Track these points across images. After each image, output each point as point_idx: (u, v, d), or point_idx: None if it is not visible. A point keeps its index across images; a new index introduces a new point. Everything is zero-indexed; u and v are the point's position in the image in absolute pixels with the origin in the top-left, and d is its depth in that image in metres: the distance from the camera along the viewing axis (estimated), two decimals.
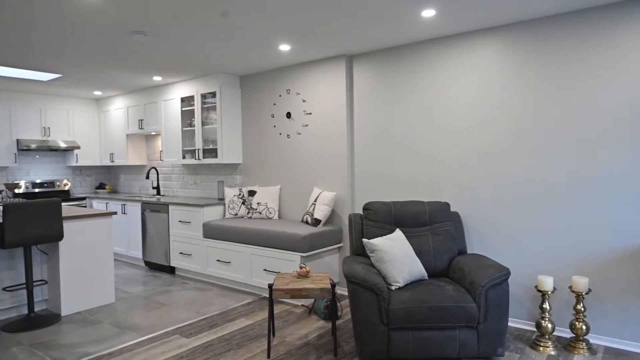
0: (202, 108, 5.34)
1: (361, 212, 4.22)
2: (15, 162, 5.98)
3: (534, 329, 3.43)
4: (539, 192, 3.39)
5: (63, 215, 3.92)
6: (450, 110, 3.81)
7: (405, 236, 3.43)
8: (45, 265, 4.05)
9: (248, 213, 4.98)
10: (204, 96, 5.35)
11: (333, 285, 3.11)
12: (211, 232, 4.80)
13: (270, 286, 3.02)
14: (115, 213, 4.29)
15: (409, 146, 4.06)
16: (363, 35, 3.74)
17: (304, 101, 4.72)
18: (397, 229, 3.35)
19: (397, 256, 3.04)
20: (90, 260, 4.07)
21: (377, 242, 3.08)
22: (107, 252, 4.20)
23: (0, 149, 5.83)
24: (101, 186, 7.11)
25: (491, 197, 3.62)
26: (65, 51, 4.07)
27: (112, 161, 6.69)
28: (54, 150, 6.32)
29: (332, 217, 4.55)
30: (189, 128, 5.50)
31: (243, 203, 5.03)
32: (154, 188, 6.36)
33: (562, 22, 3.25)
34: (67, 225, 3.89)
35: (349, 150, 4.42)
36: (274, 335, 3.38)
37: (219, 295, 4.43)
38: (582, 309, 3.06)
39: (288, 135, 4.89)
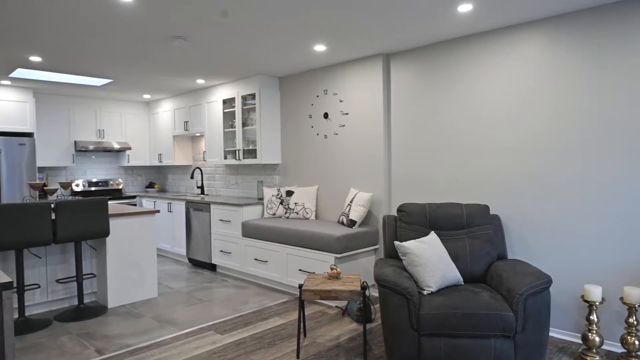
0: (243, 109, 5.45)
1: (395, 214, 4.13)
2: (73, 162, 6.39)
3: (580, 342, 3.20)
4: (588, 195, 3.17)
5: (110, 212, 4.14)
6: (491, 109, 3.64)
7: (441, 239, 3.32)
8: (94, 260, 4.30)
9: (285, 213, 5.02)
10: (244, 98, 5.46)
11: (363, 288, 3.06)
12: (249, 231, 4.88)
13: (300, 286, 3.03)
14: (158, 211, 4.47)
15: (448, 146, 3.93)
16: (399, 34, 3.66)
17: (341, 101, 4.69)
18: (432, 232, 3.25)
19: (430, 260, 2.95)
20: (135, 256, 4.27)
21: (409, 245, 3.00)
22: (151, 249, 4.39)
23: (60, 151, 6.26)
24: (151, 185, 7.45)
25: (535, 200, 3.42)
26: (114, 57, 4.30)
27: (160, 161, 6.99)
28: (108, 151, 6.70)
29: (368, 219, 4.49)
30: (231, 129, 5.63)
31: (281, 203, 5.08)
32: (198, 187, 6.58)
33: (609, 14, 3.01)
34: (113, 223, 4.11)
35: (386, 150, 4.35)
36: (305, 335, 3.39)
37: (256, 294, 4.50)
38: (635, 322, 2.83)
39: (325, 136, 4.88)
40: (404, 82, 4.22)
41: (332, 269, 3.24)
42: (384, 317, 2.81)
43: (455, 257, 3.22)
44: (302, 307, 3.05)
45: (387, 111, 4.36)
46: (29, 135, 5.76)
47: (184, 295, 4.48)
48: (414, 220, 3.41)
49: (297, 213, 4.94)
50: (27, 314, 3.91)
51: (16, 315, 3.81)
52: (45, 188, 4.21)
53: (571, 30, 3.19)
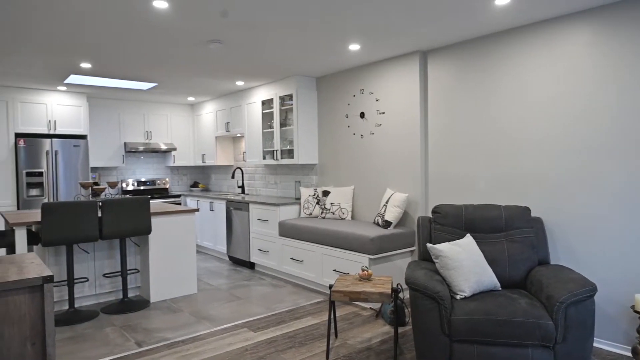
0: (281, 110, 5.51)
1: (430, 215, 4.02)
2: (123, 162, 6.73)
3: (630, 355, 2.97)
4: None
5: (152, 211, 4.32)
6: (532, 106, 3.46)
7: (477, 242, 3.19)
8: (138, 256, 4.50)
9: (322, 213, 5.03)
10: (282, 99, 5.52)
11: (395, 290, 3.01)
12: (286, 230, 4.93)
13: (330, 287, 3.02)
14: (197, 210, 4.61)
15: (487, 146, 3.78)
16: (436, 30, 3.56)
17: (377, 100, 4.63)
18: (468, 235, 3.13)
19: (464, 263, 2.84)
20: (176, 253, 4.43)
21: (442, 247, 2.91)
22: (190, 246, 4.54)
23: (111, 151, 6.61)
24: (195, 184, 7.70)
25: (582, 203, 3.21)
26: (156, 62, 4.48)
27: (204, 162, 7.21)
28: (155, 151, 7.00)
29: (404, 220, 4.40)
30: (269, 130, 5.71)
31: (317, 203, 5.09)
32: (239, 187, 6.73)
33: None
34: (155, 221, 4.28)
35: (423, 150, 4.25)
36: (336, 336, 3.37)
37: (291, 293, 4.53)
38: None
39: (361, 136, 4.84)
40: (441, 80, 4.11)
41: (363, 270, 3.20)
42: (415, 321, 2.74)
43: (492, 262, 3.08)
44: (332, 308, 3.04)
45: (424, 109, 4.25)
46: (83, 137, 6.12)
47: (222, 292, 4.59)
48: (449, 222, 3.30)
49: (333, 213, 4.93)
50: (76, 305, 4.16)
51: (67, 307, 4.06)
52: (94, 187, 4.46)
53: (624, 19, 2.97)
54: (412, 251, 4.31)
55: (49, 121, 5.84)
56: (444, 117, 4.10)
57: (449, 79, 4.05)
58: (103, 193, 4.57)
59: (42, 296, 2.11)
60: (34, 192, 5.62)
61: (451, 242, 3.00)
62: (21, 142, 5.51)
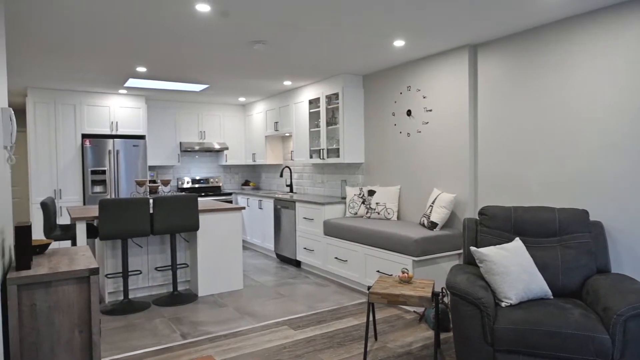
0: (327, 109, 5.51)
1: (476, 217, 3.83)
2: (179, 161, 7.04)
3: None
4: None
5: (200, 208, 4.47)
6: (591, 101, 3.18)
7: (527, 247, 2.99)
8: (188, 252, 4.68)
9: (367, 213, 4.96)
10: (328, 98, 5.51)
11: (436, 294, 2.89)
12: (331, 229, 4.92)
13: (369, 289, 2.96)
14: (243, 208, 4.71)
15: (541, 144, 3.53)
16: (486, 22, 3.38)
17: (424, 97, 4.49)
18: (517, 238, 2.95)
19: (511, 269, 2.67)
20: (223, 249, 4.55)
21: (487, 251, 2.75)
22: (237, 243, 4.65)
23: (167, 151, 6.94)
24: (246, 183, 7.90)
25: None
26: (205, 64, 4.63)
27: (254, 161, 7.37)
28: (208, 151, 7.25)
29: (451, 221, 4.23)
30: (316, 129, 5.73)
31: (363, 202, 5.03)
32: (287, 186, 6.80)
33: None
34: (203, 218, 4.43)
35: (472, 148, 4.06)
36: (376, 339, 3.30)
37: (334, 292, 4.51)
38: None
39: (408, 134, 4.71)
40: (492, 75, 3.90)
41: (403, 272, 3.11)
42: (456, 328, 2.62)
43: (543, 268, 2.88)
44: (370, 310, 2.98)
45: (473, 106, 4.06)
46: (142, 137, 6.47)
47: (267, 289, 4.66)
48: (496, 224, 3.12)
49: (379, 213, 4.85)
50: (130, 296, 4.40)
51: (121, 297, 4.31)
52: (149, 185, 4.70)
53: None
54: (459, 254, 4.13)
55: (112, 122, 6.23)
56: (494, 114, 3.89)
57: (500, 74, 3.83)
58: (156, 190, 4.81)
59: (89, 287, 2.24)
60: (98, 189, 6.02)
61: (497, 246, 2.83)
62: (87, 143, 5.93)
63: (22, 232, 2.18)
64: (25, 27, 3.34)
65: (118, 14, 3.10)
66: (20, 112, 7.52)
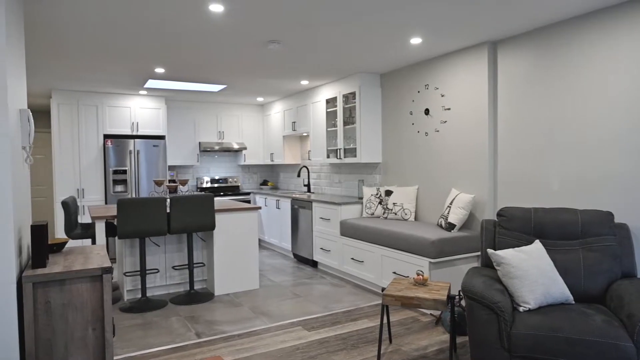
0: (344, 108, 5.47)
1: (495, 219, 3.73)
2: (198, 161, 7.11)
3: None
4: None
5: (217, 208, 4.50)
6: (617, 99, 3.05)
7: (547, 250, 2.89)
8: (205, 251, 4.71)
9: (384, 213, 4.90)
10: (346, 97, 5.47)
11: (451, 297, 2.83)
12: (347, 230, 4.88)
13: (383, 290, 2.91)
14: (259, 208, 4.72)
15: (564, 143, 3.41)
16: (506, 17, 3.29)
17: (442, 96, 4.40)
18: (537, 241, 2.85)
19: (529, 272, 2.59)
20: (239, 249, 4.57)
21: (505, 254, 2.67)
22: (253, 243, 4.66)
23: (187, 151, 7.02)
24: (264, 183, 7.92)
25: None
26: (222, 64, 4.66)
27: (272, 160, 7.38)
28: (227, 150, 7.31)
29: (470, 222, 4.14)
30: (333, 128, 5.69)
31: (380, 203, 4.97)
32: (304, 185, 6.79)
33: None
34: (219, 217, 4.45)
35: (491, 148, 3.95)
36: (390, 341, 3.25)
37: (350, 293, 4.47)
38: None
39: (426, 133, 4.63)
40: (513, 72, 3.79)
41: (418, 274, 3.05)
42: (471, 332, 2.55)
43: (564, 272, 2.78)
44: (384, 313, 2.93)
45: (493, 105, 3.96)
46: (162, 137, 6.56)
47: (283, 289, 4.65)
48: (515, 226, 3.03)
49: (396, 214, 4.78)
50: (148, 294, 4.46)
51: (139, 295, 4.37)
52: (168, 184, 4.75)
53: None
54: (478, 256, 4.03)
55: (132, 123, 6.34)
56: (515, 112, 3.78)
57: (521, 71, 3.72)
58: (175, 190, 4.86)
59: (102, 285, 2.27)
60: (119, 188, 6.13)
61: (516, 249, 2.74)
62: (109, 143, 6.05)
63: (38, 231, 2.22)
64: (48, 30, 3.42)
65: (135, 17, 3.14)
66: (45, 114, 7.74)
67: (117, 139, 6.13)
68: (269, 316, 3.84)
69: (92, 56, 4.23)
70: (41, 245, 2.23)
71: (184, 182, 4.88)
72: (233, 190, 7.47)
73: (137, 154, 6.24)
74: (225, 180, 7.55)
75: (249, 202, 7.25)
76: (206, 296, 4.35)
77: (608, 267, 2.73)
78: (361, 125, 5.15)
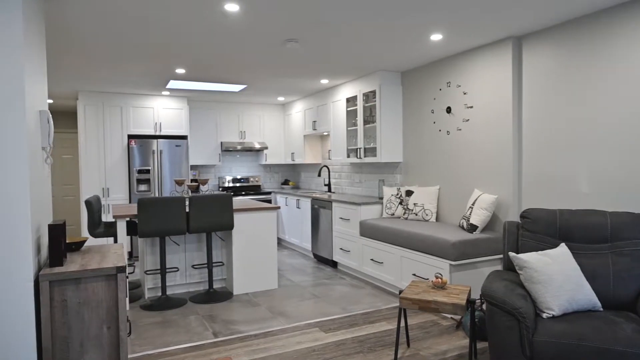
0: (365, 107, 5.40)
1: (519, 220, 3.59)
2: (220, 161, 7.17)
3: None
4: None
5: (235, 207, 4.51)
6: None
7: (573, 254, 2.76)
8: (224, 250, 4.73)
9: (404, 214, 4.81)
10: (366, 95, 5.40)
11: (471, 302, 2.73)
12: (367, 230, 4.81)
13: (400, 293, 2.84)
14: (278, 208, 4.71)
15: (593, 142, 3.25)
16: (531, 11, 3.16)
17: (464, 94, 4.28)
18: (562, 244, 2.72)
19: (554, 277, 2.47)
20: (258, 248, 4.57)
21: (527, 257, 2.56)
22: (272, 243, 4.65)
23: (209, 151, 7.09)
24: (286, 182, 7.93)
25: None
26: (240, 64, 4.66)
27: (293, 160, 7.37)
28: (249, 150, 7.35)
29: (493, 224, 4.01)
30: (353, 127, 5.63)
31: (400, 203, 4.89)
32: (325, 185, 6.75)
33: None
34: (238, 217, 4.46)
35: (516, 147, 3.82)
36: (408, 345, 3.17)
37: (369, 295, 4.41)
38: None
39: (448, 132, 4.51)
40: (539, 68, 3.64)
41: (436, 277, 2.96)
42: (491, 339, 2.46)
43: (592, 277, 2.64)
44: (402, 316, 2.86)
45: (517, 102, 3.82)
46: (184, 137, 6.64)
47: (301, 290, 4.63)
48: (539, 228, 2.91)
49: (416, 214, 4.68)
50: (168, 292, 4.51)
51: (159, 293, 4.42)
52: (189, 184, 4.80)
53: None
54: (501, 259, 3.90)
55: (155, 123, 6.44)
56: (541, 109, 3.63)
57: (547, 67, 3.57)
58: (198, 189, 4.90)
59: (117, 284, 2.29)
60: (143, 187, 6.24)
61: (539, 252, 2.63)
62: (132, 143, 6.16)
63: (55, 230, 2.26)
64: (72, 33, 3.49)
65: (152, 18, 3.16)
66: (73, 115, 7.96)
67: (141, 139, 6.23)
68: (286, 317, 3.82)
69: (114, 58, 4.31)
70: (58, 244, 2.26)
71: (204, 182, 4.92)
72: (254, 190, 7.50)
73: (160, 153, 6.34)
74: (246, 179, 7.59)
75: (269, 201, 7.26)
76: (225, 295, 4.36)
77: (639, 272, 2.58)
78: (381, 124, 5.07)
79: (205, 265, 4.61)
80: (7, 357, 2.08)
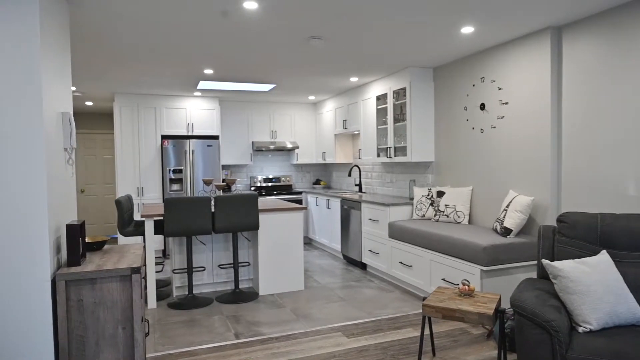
0: (395, 105, 5.24)
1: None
2: (251, 160, 7.20)
3: None
4: None
5: (261, 207, 4.48)
6: None
7: (615, 262, 2.52)
8: (251, 250, 4.72)
9: (435, 215, 4.62)
10: (396, 93, 5.24)
11: (500, 311, 2.56)
12: (395, 232, 4.66)
13: (423, 300, 2.70)
14: (305, 208, 4.64)
15: None
16: None
17: (499, 89, 4.05)
18: (603, 252, 2.49)
19: (592, 288, 2.26)
20: (284, 249, 4.53)
21: (563, 265, 2.36)
22: (298, 243, 4.59)
23: (241, 150, 7.13)
24: (317, 182, 7.86)
25: None
26: (267, 64, 4.63)
27: (324, 159, 7.30)
28: (280, 150, 7.34)
29: (529, 228, 3.77)
30: (383, 126, 5.48)
31: (431, 204, 4.70)
32: (356, 185, 6.63)
33: None
34: (264, 217, 4.43)
35: (554, 145, 3.56)
36: (434, 354, 3.02)
37: (397, 299, 4.26)
38: None
39: (482, 130, 4.29)
40: (581, 60, 3.37)
41: (463, 284, 2.80)
42: (521, 353, 2.28)
43: (636, 288, 2.40)
44: (425, 323, 2.72)
45: (556, 97, 3.56)
46: (215, 137, 6.72)
47: (328, 292, 4.54)
48: (578, 234, 2.68)
49: (448, 216, 4.49)
50: (196, 292, 4.55)
51: (186, 292, 4.47)
52: (217, 184, 4.82)
53: None
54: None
55: (188, 124, 6.54)
56: (583, 105, 3.37)
57: (591, 59, 3.30)
58: (229, 188, 4.92)
59: (131, 285, 2.29)
60: (175, 187, 6.36)
61: (577, 260, 2.42)
62: (165, 143, 6.29)
63: (72, 230, 2.29)
64: (105, 37, 3.57)
65: (173, 19, 3.17)
66: (109, 116, 8.24)
67: (174, 140, 6.35)
68: (309, 319, 3.75)
69: (144, 61, 4.38)
70: (76, 244, 2.29)
71: (232, 182, 4.93)
72: (286, 190, 7.49)
73: (193, 153, 6.43)
74: (278, 179, 7.59)
75: (300, 201, 7.22)
76: (251, 296, 4.35)
77: None
78: (412, 122, 4.90)
79: (231, 265, 4.61)
80: (26, 353, 2.12)
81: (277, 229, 4.49)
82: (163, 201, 6.33)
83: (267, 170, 7.67)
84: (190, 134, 6.56)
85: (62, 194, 2.48)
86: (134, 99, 6.28)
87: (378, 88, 5.55)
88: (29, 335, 2.12)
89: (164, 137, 6.46)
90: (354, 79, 5.58)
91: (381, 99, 5.58)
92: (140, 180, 6.31)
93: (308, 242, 7.32)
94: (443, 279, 3.90)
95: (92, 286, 2.24)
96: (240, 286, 4.73)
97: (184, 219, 4.01)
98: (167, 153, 6.31)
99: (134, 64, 4.55)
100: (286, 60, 4.50)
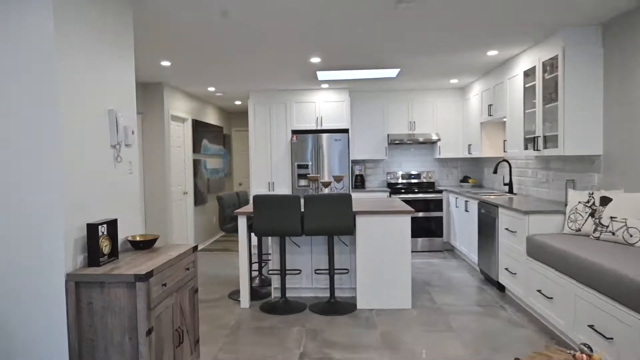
0: (545, 81, 3.98)
1: None
2: (386, 155, 6.62)
3: None
4: None
5: (360, 209, 3.92)
6: None
7: None
8: (353, 256, 4.22)
9: (595, 231, 3.30)
10: (548, 65, 3.97)
11: None
12: (534, 249, 3.51)
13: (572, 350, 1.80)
14: (412, 211, 3.89)
15: None
16: None
17: None
18: None
19: None
20: (387, 259, 3.88)
21: None
22: (404, 254, 3.88)
23: (374, 144, 6.62)
24: (465, 179, 6.77)
25: None
26: (377, 43, 4.03)
27: (470, 153, 6.21)
28: (420, 142, 6.56)
29: None
30: (531, 109, 4.25)
31: (591, 215, 3.39)
32: (505, 184, 5.41)
33: None
34: (362, 220, 3.87)
35: None
36: None
37: (524, 339, 3.19)
38: None
39: None
40: None
41: (581, 351, 1.77)
42: None
43: None
44: None
45: None
46: (344, 131, 6.36)
47: (438, 316, 3.72)
48: None
49: (613, 233, 3.14)
50: (293, 295, 4.28)
51: (279, 295, 4.23)
52: (322, 181, 4.47)
53: None
54: None
55: (317, 117, 6.36)
56: None
57: None
58: (328, 187, 4.53)
59: (135, 294, 2.10)
60: (303, 182, 6.26)
61: None
62: (294, 138, 6.23)
63: (92, 230, 2.22)
64: (209, 37, 3.58)
65: (258, 10, 2.90)
66: (245, 114, 8.71)
67: (303, 134, 6.24)
68: (396, 350, 3.07)
69: (248, 57, 4.29)
70: (95, 244, 2.22)
71: (339, 179, 4.50)
72: (427, 187, 6.66)
73: (321, 148, 6.22)
74: (417, 175, 6.81)
75: (440, 201, 6.31)
76: (346, 308, 3.86)
77: None
78: (565, 102, 3.63)
79: (327, 271, 4.19)
80: (41, 352, 2.13)
81: (378, 235, 3.87)
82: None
83: (406, 165, 6.96)
84: (319, 128, 6.37)
85: (102, 192, 2.46)
86: (266, 95, 6.40)
87: (525, 61, 4.33)
88: (44, 335, 2.13)
89: (294, 132, 6.42)
90: (492, 53, 4.47)
91: (530, 74, 4.34)
92: (271, 175, 6.41)
93: (450, 249, 6.36)
94: (590, 326, 2.70)
95: (102, 290, 2.13)
96: (342, 295, 4.27)
97: (272, 218, 3.77)
98: (296, 148, 6.25)
99: (240, 61, 4.51)
100: (388, 34, 3.80)
